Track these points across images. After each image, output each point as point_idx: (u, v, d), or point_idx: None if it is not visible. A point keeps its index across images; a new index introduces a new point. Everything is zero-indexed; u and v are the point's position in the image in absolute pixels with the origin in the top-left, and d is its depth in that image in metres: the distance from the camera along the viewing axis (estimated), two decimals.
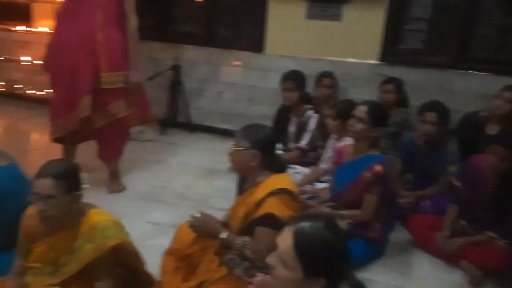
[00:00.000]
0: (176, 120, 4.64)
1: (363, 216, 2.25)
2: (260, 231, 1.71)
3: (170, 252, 2.02)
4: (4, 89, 5.39)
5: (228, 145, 1.96)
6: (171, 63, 4.51)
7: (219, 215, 2.13)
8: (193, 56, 4.59)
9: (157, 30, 4.79)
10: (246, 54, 4.37)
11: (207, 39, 4.56)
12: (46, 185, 1.53)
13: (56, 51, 2.93)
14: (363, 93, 3.62)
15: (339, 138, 2.75)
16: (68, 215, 1.61)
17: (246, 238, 1.74)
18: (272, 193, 1.74)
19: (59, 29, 2.96)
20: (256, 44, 4.27)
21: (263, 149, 1.82)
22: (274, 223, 1.68)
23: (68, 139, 3.14)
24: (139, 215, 2.79)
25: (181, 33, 4.78)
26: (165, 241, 2.29)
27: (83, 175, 1.63)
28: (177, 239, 2.03)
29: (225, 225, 1.92)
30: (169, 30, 4.78)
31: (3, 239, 1.85)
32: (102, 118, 2.96)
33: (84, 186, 1.63)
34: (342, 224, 2.22)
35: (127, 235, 1.70)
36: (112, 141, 3.14)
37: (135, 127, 3.41)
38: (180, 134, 4.57)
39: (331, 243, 1.13)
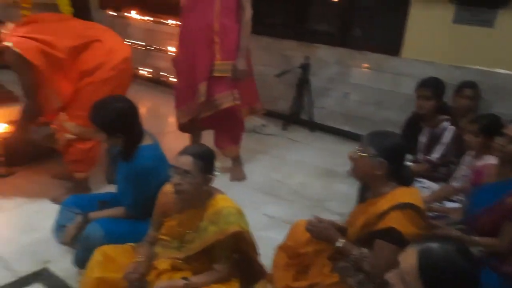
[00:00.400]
0: (299, 117, 4.69)
1: (501, 246, 2.00)
2: (381, 245, 1.64)
3: (283, 248, 2.05)
4: (151, 76, 6.05)
5: (349, 148, 1.91)
6: (301, 61, 4.56)
7: (334, 219, 2.09)
8: (323, 56, 4.57)
9: (290, 28, 4.88)
10: (379, 56, 4.20)
11: (340, 39, 4.50)
12: (185, 161, 1.69)
13: (180, 42, 3.17)
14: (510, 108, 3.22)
15: (477, 156, 2.48)
16: (199, 194, 1.75)
17: (365, 250, 1.68)
18: (397, 207, 1.65)
19: (182, 23, 3.18)
20: (392, 46, 4.07)
21: (390, 158, 1.73)
22: (397, 239, 1.59)
23: (191, 127, 3.35)
24: (256, 206, 2.90)
25: (314, 32, 4.80)
26: (277, 236, 2.33)
27: (216, 163, 1.75)
28: (291, 237, 2.05)
29: (342, 231, 1.88)
30: (302, 29, 4.83)
31: (142, 210, 2.08)
32: (208, 109, 3.09)
33: (215, 172, 1.75)
34: (473, 251, 2.00)
35: (247, 224, 1.79)
36: (226, 130, 3.27)
37: (247, 117, 3.51)
38: (301, 132, 4.61)
39: (461, 270, 1.03)
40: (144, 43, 6.07)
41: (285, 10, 5.08)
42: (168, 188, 1.87)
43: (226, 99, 3.06)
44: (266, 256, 2.03)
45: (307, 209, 2.95)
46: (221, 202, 1.75)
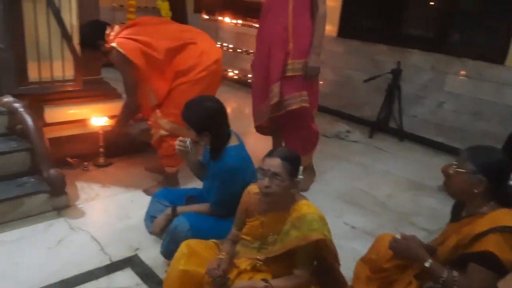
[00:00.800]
0: (387, 125, 4.51)
1: None
2: (475, 269, 1.51)
3: (365, 261, 1.99)
4: (238, 77, 6.23)
5: (440, 160, 1.80)
6: (392, 66, 4.39)
7: (421, 235, 1.98)
8: (417, 61, 4.35)
9: (382, 32, 4.72)
10: (480, 64, 3.90)
11: (436, 45, 4.25)
12: (274, 163, 1.70)
13: (256, 44, 3.16)
14: None
15: None
16: (284, 198, 1.75)
17: (456, 274, 1.57)
18: (496, 229, 1.51)
19: (259, 24, 3.18)
20: (496, 53, 3.76)
21: (491, 176, 1.60)
22: (494, 264, 1.47)
23: (267, 129, 3.35)
24: (337, 214, 2.85)
25: (407, 36, 4.59)
26: (359, 247, 2.27)
27: (300, 167, 1.75)
28: (375, 250, 1.97)
29: (429, 250, 1.77)
30: (395, 33, 4.65)
31: (226, 208, 2.16)
32: (278, 109, 3.04)
33: (299, 176, 1.75)
34: None
35: (329, 233, 1.76)
36: (297, 137, 3.12)
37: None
38: (389, 140, 4.44)
39: None
40: (233, 46, 6.28)
41: (377, 13, 4.92)
42: (252, 188, 1.92)
43: (294, 101, 2.99)
44: (346, 267, 1.98)
45: (392, 222, 2.83)
46: (305, 207, 1.74)
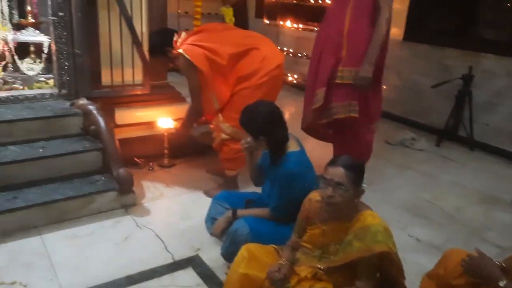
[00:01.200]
0: (456, 134, 4.28)
1: None
2: None
3: (431, 276, 1.89)
4: (297, 82, 6.21)
5: None
6: (463, 71, 4.16)
7: (493, 252, 1.85)
8: (491, 66, 4.09)
9: (453, 36, 4.49)
10: None
11: None
12: (337, 173, 1.67)
13: (312, 49, 3.10)
14: None
15: None
16: (348, 207, 1.71)
17: None
18: None
19: (319, 28, 3.11)
20: None
21: None
22: None
23: (318, 135, 3.27)
24: (401, 226, 2.74)
25: (480, 40, 4.33)
26: (424, 261, 2.17)
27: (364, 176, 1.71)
28: (443, 265, 1.87)
29: (504, 270, 1.65)
30: (467, 36, 4.40)
31: (286, 214, 2.15)
32: (325, 116, 2.96)
33: (363, 185, 1.71)
34: None
35: (394, 245, 1.69)
36: (345, 145, 3.01)
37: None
38: (458, 150, 4.21)
39: None
40: (293, 50, 6.27)
41: (447, 16, 4.69)
42: (314, 195, 1.89)
43: (342, 109, 2.87)
44: (411, 281, 1.89)
45: (462, 236, 2.67)
46: (369, 218, 1.69)
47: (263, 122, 2.10)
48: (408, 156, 3.96)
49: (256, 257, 1.89)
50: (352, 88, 2.83)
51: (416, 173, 3.62)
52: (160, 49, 2.99)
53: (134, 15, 3.21)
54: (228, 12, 4.66)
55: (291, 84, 6.21)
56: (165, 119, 3.38)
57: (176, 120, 3.38)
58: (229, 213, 2.32)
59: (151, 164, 3.40)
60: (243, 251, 1.91)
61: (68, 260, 2.24)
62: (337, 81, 2.86)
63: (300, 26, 6.17)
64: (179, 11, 6.43)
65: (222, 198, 2.50)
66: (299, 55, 6.15)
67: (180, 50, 2.84)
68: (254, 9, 6.99)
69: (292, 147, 2.17)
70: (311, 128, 3.23)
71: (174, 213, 2.79)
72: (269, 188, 2.25)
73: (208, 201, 2.74)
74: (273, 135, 2.12)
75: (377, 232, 1.64)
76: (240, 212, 2.30)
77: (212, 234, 2.45)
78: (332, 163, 1.73)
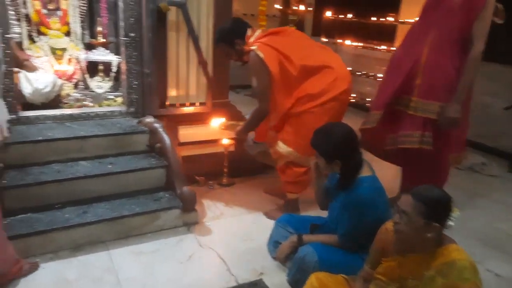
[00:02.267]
0: None
1: None
2: None
3: None
4: (355, 101, 6.10)
5: None
6: None
7: None
8: None
9: None
10: None
11: None
12: (405, 201, 1.61)
13: (386, 68, 2.96)
14: None
15: None
16: (421, 240, 1.62)
17: None
18: None
19: (395, 50, 2.96)
20: None
21: None
22: None
23: (375, 152, 3.09)
24: (477, 259, 2.49)
25: None
26: None
27: (454, 213, 1.60)
28: None
29: None
30: None
31: (356, 242, 2.07)
32: (391, 143, 2.82)
33: (449, 223, 1.61)
34: None
35: (481, 282, 1.58)
36: (415, 174, 2.81)
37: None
38: None
39: None
40: (351, 68, 6.18)
41: None
42: (390, 225, 1.81)
43: (411, 139, 2.68)
44: None
45: None
46: (454, 253, 1.59)
47: (339, 145, 2.06)
48: (479, 182, 3.73)
49: (326, 287, 1.84)
50: (429, 120, 2.65)
51: (489, 201, 3.40)
52: (230, 39, 2.80)
53: (201, 34, 3.30)
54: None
55: (349, 103, 6.10)
56: (217, 119, 3.32)
57: (233, 138, 3.37)
58: (294, 237, 2.28)
59: (211, 182, 3.44)
60: (313, 280, 1.87)
61: (135, 277, 2.28)
62: (409, 112, 2.70)
63: (360, 44, 6.08)
64: (244, 13, 6.55)
65: (285, 221, 2.47)
66: (358, 73, 6.05)
67: (254, 47, 2.69)
68: (311, 27, 6.99)
69: (364, 171, 2.11)
70: (371, 146, 3.06)
71: (235, 234, 2.78)
72: (337, 213, 2.18)
73: (269, 222, 2.73)
74: (348, 159, 2.06)
75: (464, 269, 1.54)
76: (306, 237, 2.25)
77: (275, 258, 2.42)
78: (408, 190, 1.66)
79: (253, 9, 5.72)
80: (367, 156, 2.28)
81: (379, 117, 2.79)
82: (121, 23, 3.16)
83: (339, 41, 6.39)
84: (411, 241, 1.65)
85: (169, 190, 2.93)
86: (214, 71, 3.44)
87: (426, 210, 1.59)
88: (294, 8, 4.92)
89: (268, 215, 3.01)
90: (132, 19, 3.07)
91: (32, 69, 3.60)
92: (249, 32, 2.83)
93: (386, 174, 2.94)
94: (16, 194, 2.54)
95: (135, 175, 2.87)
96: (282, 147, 2.85)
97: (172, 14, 3.16)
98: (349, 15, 6.23)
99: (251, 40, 2.80)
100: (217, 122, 3.34)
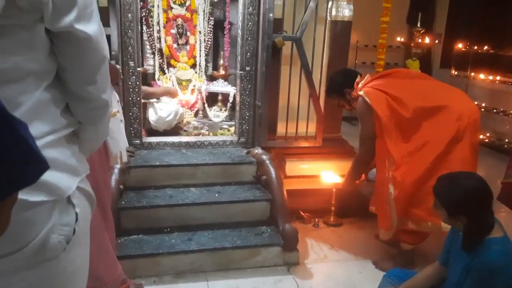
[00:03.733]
0: None
1: None
2: None
3: None
4: (489, 141, 5.41)
5: None
6: None
7: None
8: None
9: None
10: None
11: None
12: None
13: None
14: None
15: None
16: None
17: None
18: None
19: None
20: None
21: None
22: None
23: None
24: None
25: None
26: None
27: None
28: None
29: None
30: None
31: None
32: None
33: None
34: None
35: None
36: None
37: None
38: None
39: None
40: (486, 104, 5.53)
41: None
42: None
43: None
44: None
45: None
46: None
47: (467, 200, 1.78)
48: None
49: None
50: None
51: None
52: (340, 90, 2.84)
53: (314, 70, 3.24)
54: (414, 65, 4.39)
55: (482, 143, 5.43)
56: (328, 174, 3.23)
57: (343, 176, 3.20)
58: None
59: (316, 220, 3.29)
60: None
61: None
62: None
63: (497, 78, 5.42)
64: (356, 61, 6.39)
65: (396, 277, 2.19)
66: (494, 110, 5.38)
67: (361, 92, 2.64)
68: (440, 58, 6.49)
69: (494, 231, 1.77)
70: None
71: (338, 282, 2.57)
72: (458, 278, 1.86)
73: (378, 274, 2.49)
74: (475, 217, 1.77)
75: None
76: None
77: None
78: None
79: (373, 39, 5.52)
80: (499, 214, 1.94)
81: None
82: (238, 58, 3.27)
83: (472, 74, 5.78)
84: None
85: (272, 225, 2.86)
86: (325, 105, 3.36)
87: None
88: (418, 41, 4.61)
89: (378, 265, 2.74)
90: (249, 53, 3.17)
91: (174, 95, 3.91)
92: (358, 78, 2.80)
93: None
94: (132, 215, 2.72)
95: (240, 206, 2.87)
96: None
97: (286, 49, 3.18)
98: (485, 47, 5.62)
99: (360, 86, 2.74)
100: (328, 176, 3.24)
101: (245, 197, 2.91)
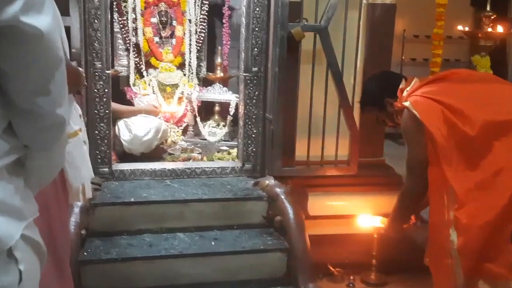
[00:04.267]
0: None
1: None
2: None
3: None
4: None
5: None
6: None
7: None
8: None
9: None
10: None
11: None
12: None
13: None
14: None
15: None
16: None
17: None
18: None
19: None
20: None
21: None
22: None
23: None
24: None
25: None
26: None
27: None
28: None
29: None
30: None
31: None
32: None
33: None
34: None
35: None
36: None
37: None
38: None
39: None
40: None
41: None
42: None
43: None
44: None
45: None
46: None
47: None
48: None
49: None
50: None
51: None
52: (378, 100, 2.82)
53: (346, 68, 3.27)
54: (483, 63, 4.38)
55: None
56: (367, 217, 3.22)
57: (386, 215, 3.18)
58: None
59: (351, 278, 3.27)
60: None
61: None
62: None
63: None
64: (403, 57, 6.42)
65: None
66: None
67: (407, 103, 2.62)
68: None
69: None
70: None
71: None
72: None
73: None
74: None
75: None
76: None
77: None
78: None
79: (426, 28, 5.56)
80: None
81: None
82: (242, 55, 3.32)
83: None
84: None
85: (290, 285, 2.85)
86: (361, 118, 3.37)
87: None
88: (488, 30, 4.59)
89: None
90: (256, 49, 3.21)
91: (153, 113, 3.98)
92: (402, 84, 2.76)
93: None
94: (97, 271, 2.73)
95: (245, 259, 2.88)
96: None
97: (307, 43, 3.21)
98: None
99: (405, 94, 2.70)
100: (366, 220, 3.22)
101: (252, 246, 2.91)
